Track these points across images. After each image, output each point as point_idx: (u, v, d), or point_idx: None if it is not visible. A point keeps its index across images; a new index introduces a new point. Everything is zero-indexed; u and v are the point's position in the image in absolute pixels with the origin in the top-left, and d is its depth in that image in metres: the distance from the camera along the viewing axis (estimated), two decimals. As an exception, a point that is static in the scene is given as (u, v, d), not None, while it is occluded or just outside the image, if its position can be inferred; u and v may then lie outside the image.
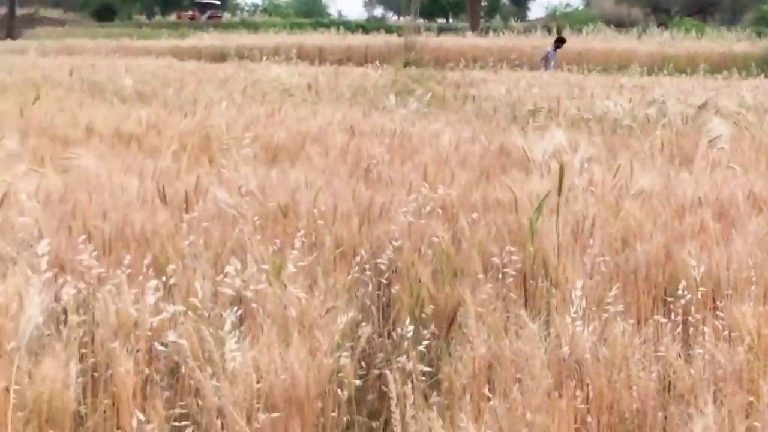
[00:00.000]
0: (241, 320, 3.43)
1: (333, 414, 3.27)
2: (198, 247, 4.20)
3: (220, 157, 6.85)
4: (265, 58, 23.34)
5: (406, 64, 22.46)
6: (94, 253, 3.86)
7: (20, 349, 2.73)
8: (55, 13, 64.61)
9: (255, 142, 7.35)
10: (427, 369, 3.49)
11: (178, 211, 5.06)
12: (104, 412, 3.20)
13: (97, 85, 14.41)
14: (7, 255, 3.89)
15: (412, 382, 3.24)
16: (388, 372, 3.03)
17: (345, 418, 3.37)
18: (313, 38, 38.78)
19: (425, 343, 3.62)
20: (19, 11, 55.74)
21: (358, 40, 38.43)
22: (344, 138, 8.15)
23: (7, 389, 2.75)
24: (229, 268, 3.58)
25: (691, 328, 3.73)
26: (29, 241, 4.03)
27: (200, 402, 3.16)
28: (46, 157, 6.79)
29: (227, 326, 3.05)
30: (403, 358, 3.51)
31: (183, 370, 3.39)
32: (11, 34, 45.92)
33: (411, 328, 3.59)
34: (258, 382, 2.97)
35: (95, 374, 3.27)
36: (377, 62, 21.37)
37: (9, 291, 3.14)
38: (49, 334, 3.10)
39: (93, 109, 10.65)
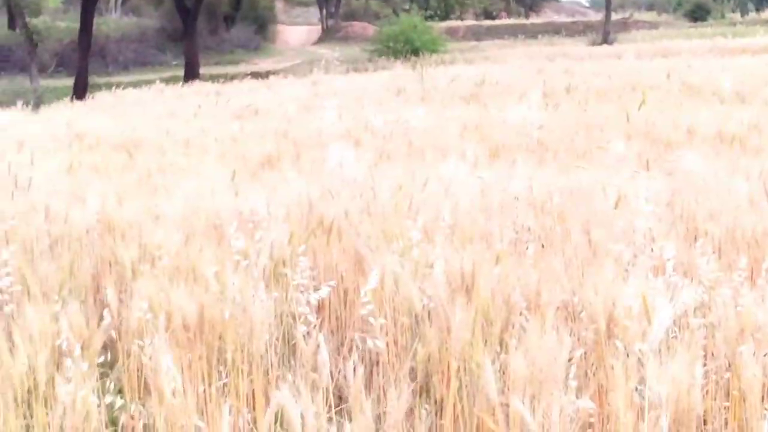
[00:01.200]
0: None
1: None
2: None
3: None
4: None
5: None
6: (712, 256, 3.88)
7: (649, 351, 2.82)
8: (648, 16, 65.60)
9: None
10: None
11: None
12: (724, 414, 3.23)
13: (694, 86, 14.37)
14: (626, 257, 4.02)
15: None
16: None
17: None
18: None
19: None
20: (614, 16, 57.11)
21: None
22: None
23: (636, 389, 2.86)
24: None
25: None
26: (645, 244, 4.14)
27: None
28: (650, 160, 6.93)
29: None
30: None
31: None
32: (606, 39, 47.21)
33: None
34: None
35: (714, 376, 3.30)
36: None
37: (630, 293, 3.25)
38: (673, 336, 3.17)
39: (692, 111, 10.65)
